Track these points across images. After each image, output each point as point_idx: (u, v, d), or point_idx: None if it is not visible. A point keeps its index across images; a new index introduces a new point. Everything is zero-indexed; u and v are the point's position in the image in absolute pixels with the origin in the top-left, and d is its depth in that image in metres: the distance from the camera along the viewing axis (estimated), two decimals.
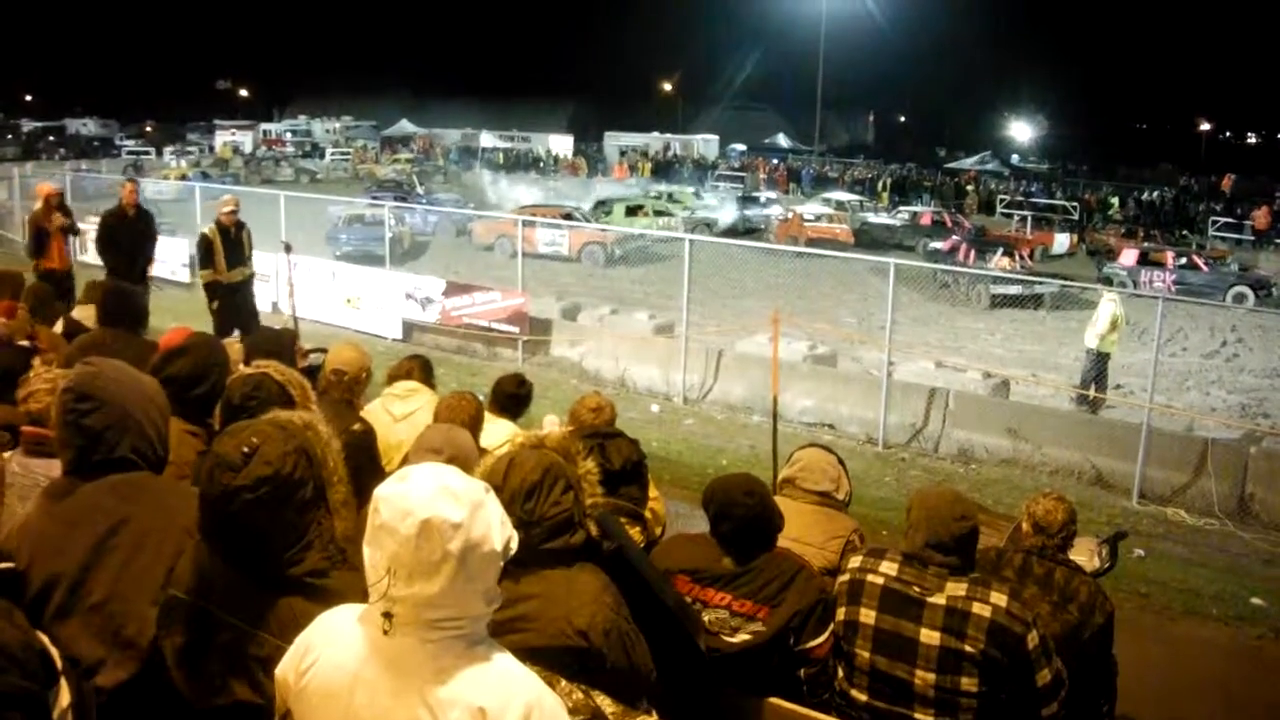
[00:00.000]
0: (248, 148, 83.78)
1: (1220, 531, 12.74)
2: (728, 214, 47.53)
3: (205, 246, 15.88)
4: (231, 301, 15.77)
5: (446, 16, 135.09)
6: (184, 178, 49.20)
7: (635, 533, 5.02)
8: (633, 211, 42.76)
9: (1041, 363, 21.40)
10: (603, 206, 43.86)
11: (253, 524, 2.93)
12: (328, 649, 2.59)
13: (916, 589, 4.49)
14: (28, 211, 30.56)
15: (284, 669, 2.68)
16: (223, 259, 15.69)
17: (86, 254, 21.53)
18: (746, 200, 52.76)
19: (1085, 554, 5.82)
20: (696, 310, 18.82)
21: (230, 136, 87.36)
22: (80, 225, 18.41)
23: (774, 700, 4.37)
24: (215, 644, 2.99)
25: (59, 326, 7.93)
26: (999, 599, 4.41)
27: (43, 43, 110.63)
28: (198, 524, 3.09)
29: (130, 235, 16.34)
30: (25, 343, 6.83)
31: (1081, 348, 18.07)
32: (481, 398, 6.98)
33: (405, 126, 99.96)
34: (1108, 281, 32.22)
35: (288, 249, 15.73)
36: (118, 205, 16.71)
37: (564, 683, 3.22)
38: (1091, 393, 16.97)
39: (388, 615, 2.44)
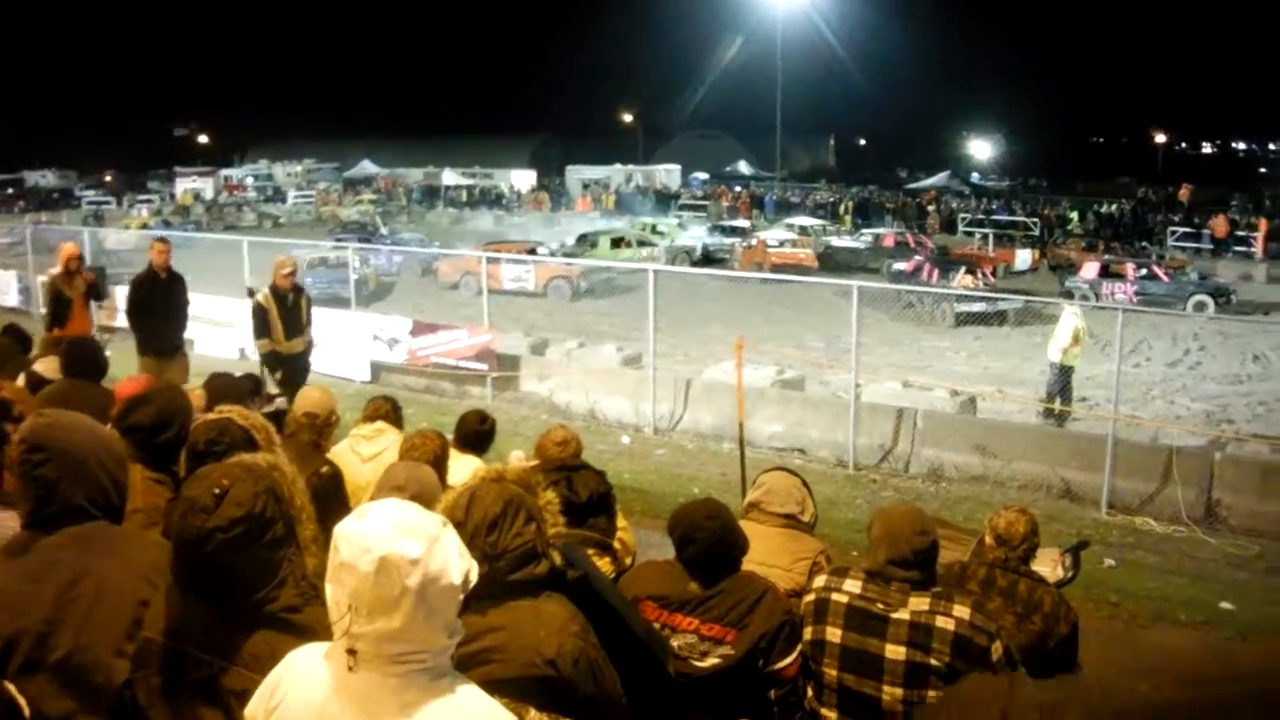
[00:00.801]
0: (209, 194, 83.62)
1: (1189, 538, 12.82)
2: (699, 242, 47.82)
3: (260, 315, 14.29)
4: (292, 373, 14.30)
5: (405, 57, 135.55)
6: (145, 226, 49.05)
7: (605, 563, 5.06)
8: (617, 244, 43.10)
9: (1007, 379, 21.50)
10: (587, 239, 44.35)
11: (227, 563, 2.98)
12: (294, 687, 2.62)
13: (880, 605, 4.53)
14: None
15: (253, 709, 2.70)
16: (280, 328, 14.23)
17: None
18: (719, 229, 53.04)
19: (1049, 565, 5.88)
20: (664, 340, 18.87)
21: (191, 183, 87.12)
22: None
23: None
24: (190, 681, 3.02)
25: (20, 380, 7.92)
26: (962, 612, 4.44)
27: None
28: (171, 567, 3.12)
29: (164, 300, 14.71)
30: None
31: (1046, 362, 18.20)
32: (449, 435, 7.02)
33: (367, 167, 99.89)
34: (1069, 295, 32.43)
35: (251, 294, 15.55)
36: (148, 268, 14.91)
37: (534, 712, 3.25)
38: (1057, 406, 17.10)
39: (351, 651, 2.47)
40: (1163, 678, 8.56)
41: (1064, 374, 17.57)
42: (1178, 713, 0.55)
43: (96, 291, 15.98)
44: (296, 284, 14.67)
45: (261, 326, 14.28)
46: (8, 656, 3.23)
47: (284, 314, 14.26)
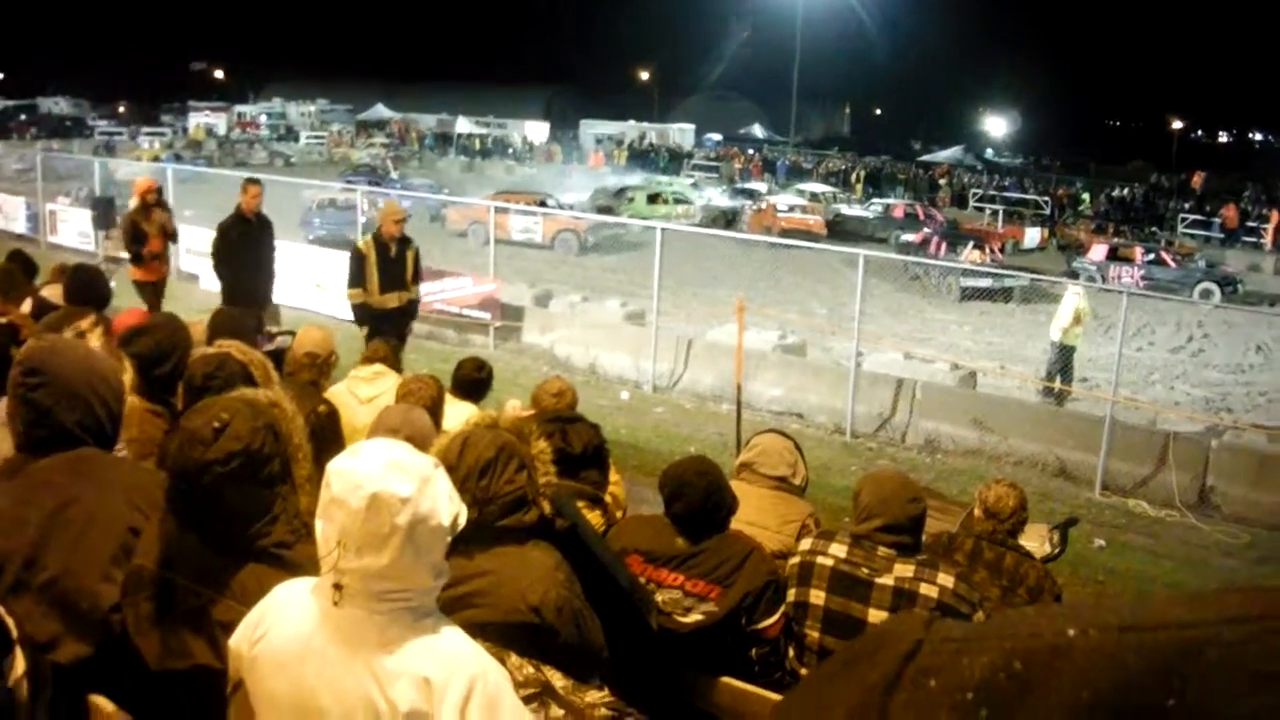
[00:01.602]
0: (222, 130, 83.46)
1: (1181, 523, 12.85)
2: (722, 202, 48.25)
3: (357, 262, 12.91)
4: (380, 332, 11.80)
5: (425, 1, 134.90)
6: (156, 159, 48.96)
7: (595, 516, 5.07)
8: (653, 199, 44.10)
9: (1009, 355, 21.53)
10: (625, 194, 45.50)
11: (222, 497, 3.03)
12: (279, 620, 2.64)
13: (865, 570, 4.55)
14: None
15: (237, 640, 2.72)
16: (376, 279, 12.79)
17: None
18: (740, 191, 53.32)
19: (1036, 540, 5.92)
20: (668, 299, 18.85)
21: (204, 118, 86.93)
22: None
23: (726, 679, 4.40)
24: (179, 610, 3.06)
25: (27, 305, 7.94)
26: (946, 580, 4.47)
27: (15, 21, 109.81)
28: (166, 497, 3.16)
29: (254, 248, 13.85)
30: (2, 320, 6.87)
31: (1048, 340, 18.20)
32: (448, 383, 7.05)
33: (381, 111, 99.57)
34: (1075, 276, 32.41)
35: None
36: (235, 213, 13.85)
37: (515, 657, 3.28)
38: (1057, 385, 17.09)
39: (337, 586, 2.49)
40: None
41: (1064, 353, 17.56)
42: (1123, 654, 0.56)
43: (172, 231, 15.26)
44: (405, 235, 13.15)
45: (356, 275, 12.86)
46: None
47: (383, 264, 12.83)
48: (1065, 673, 0.63)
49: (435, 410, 6.01)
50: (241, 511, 3.06)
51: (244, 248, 13.65)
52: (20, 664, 2.72)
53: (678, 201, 43.78)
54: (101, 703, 3.31)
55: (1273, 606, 0.63)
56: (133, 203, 14.76)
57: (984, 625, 0.72)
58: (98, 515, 3.34)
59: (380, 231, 13.03)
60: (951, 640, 0.70)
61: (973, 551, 5.36)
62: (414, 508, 2.45)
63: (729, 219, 43.95)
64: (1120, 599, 0.68)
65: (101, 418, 3.58)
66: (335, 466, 2.52)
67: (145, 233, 14.41)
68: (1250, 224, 50.83)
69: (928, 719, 0.66)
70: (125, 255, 15.67)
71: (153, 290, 14.97)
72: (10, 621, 2.82)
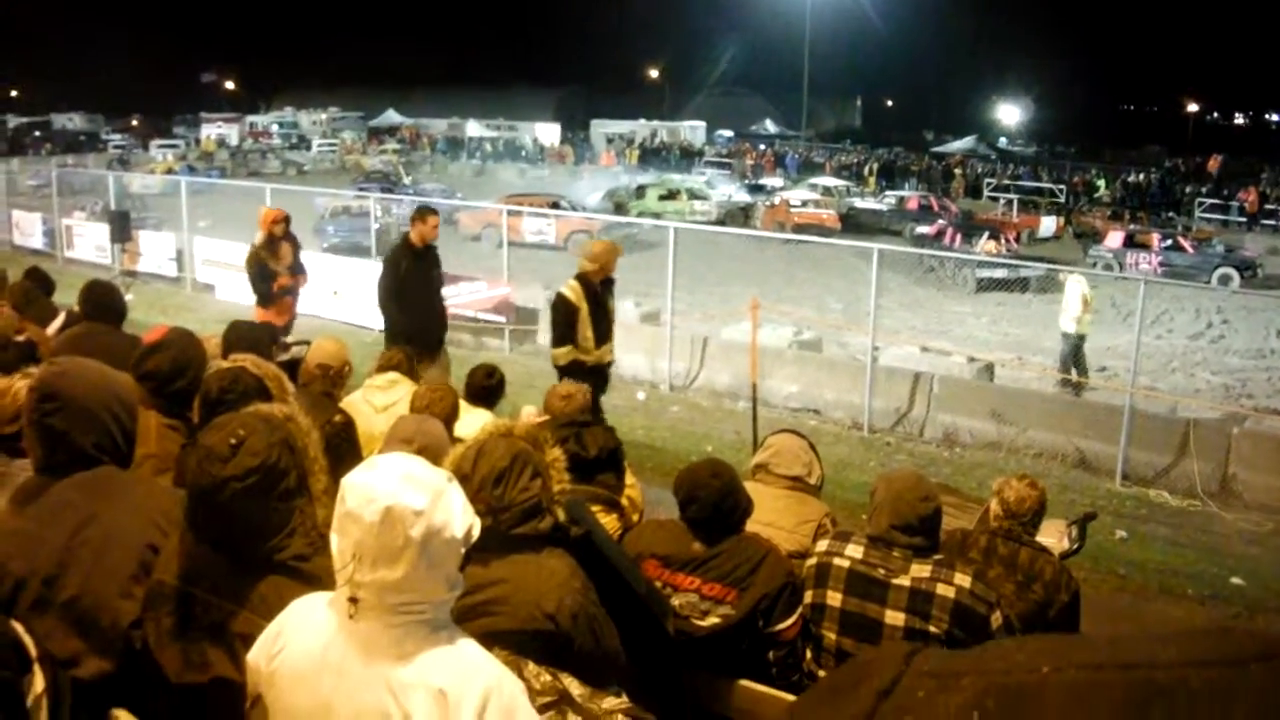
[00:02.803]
0: (234, 140, 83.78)
1: (1203, 512, 12.77)
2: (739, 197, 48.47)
3: (568, 314, 10.71)
4: (596, 388, 9.98)
5: (433, 5, 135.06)
6: (170, 171, 49.14)
7: (612, 520, 5.09)
8: (668, 196, 44.26)
9: (1027, 346, 21.48)
10: (640, 191, 45.94)
11: (241, 512, 3.06)
12: (296, 634, 2.67)
13: (881, 571, 4.56)
14: (13, 205, 30.62)
15: (255, 655, 2.75)
16: (590, 332, 10.74)
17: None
18: (755, 187, 53.50)
19: (1054, 535, 5.90)
20: (682, 298, 18.86)
21: (216, 129, 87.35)
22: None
23: (744, 682, 4.42)
24: (198, 624, 3.10)
25: (59, 322, 7.98)
26: (963, 580, 4.47)
27: (28, 38, 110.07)
28: (185, 513, 3.19)
29: (425, 283, 12.21)
30: (20, 338, 6.91)
31: (1060, 333, 18.19)
32: (462, 387, 7.07)
33: (392, 117, 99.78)
34: (1092, 265, 32.35)
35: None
36: (404, 243, 12.24)
37: (532, 665, 3.29)
38: (1074, 376, 17.09)
39: (353, 600, 2.51)
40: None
41: (1078, 343, 17.58)
42: (1095, 694, 0.57)
43: (300, 264, 13.71)
44: (611, 276, 11.17)
45: (567, 330, 10.71)
46: (17, 597, 3.30)
47: (595, 313, 10.83)
48: (1037, 711, 0.64)
49: (449, 419, 6.03)
50: (259, 526, 3.10)
51: (416, 283, 12.05)
52: (40, 682, 2.75)
53: (693, 197, 43.88)
54: (124, 717, 3.35)
55: (1241, 650, 0.64)
56: (257, 236, 13.39)
57: (963, 658, 0.73)
58: (116, 533, 3.37)
59: (589, 274, 10.83)
60: (930, 675, 0.71)
61: (987, 548, 5.36)
62: (428, 520, 2.47)
63: (747, 214, 44.04)
64: (1097, 637, 0.69)
65: (117, 437, 3.62)
66: (349, 480, 2.55)
67: (273, 270, 13.15)
68: (1269, 207, 50.62)
69: None
70: (146, 269, 15.42)
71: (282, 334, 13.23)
72: (29, 640, 2.85)
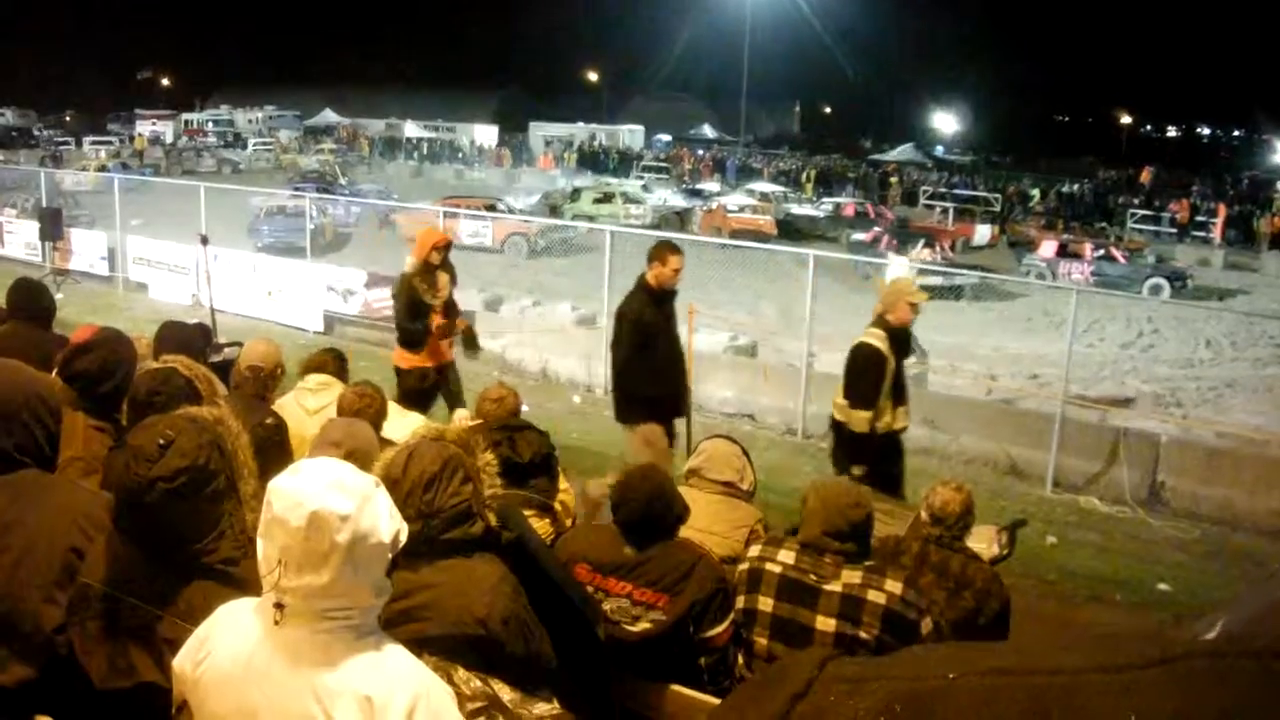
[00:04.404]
0: (169, 138, 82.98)
1: (1132, 519, 12.92)
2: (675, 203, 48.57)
3: (877, 368, 8.89)
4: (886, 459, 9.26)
5: (372, 5, 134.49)
6: (103, 168, 48.53)
7: (544, 525, 5.09)
8: (603, 199, 44.23)
9: (960, 353, 21.61)
10: (575, 194, 45.93)
11: (168, 513, 3.03)
12: (222, 640, 2.65)
13: (813, 577, 4.57)
14: None
15: (181, 660, 2.72)
16: (889, 392, 9.03)
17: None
18: (691, 191, 53.68)
19: (985, 541, 5.94)
20: (618, 301, 18.84)
21: (151, 127, 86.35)
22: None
23: (675, 688, 4.43)
24: (125, 628, 3.07)
25: None
26: (894, 586, 4.49)
27: None
28: (112, 515, 3.16)
29: (669, 336, 10.05)
30: None
31: (999, 337, 18.42)
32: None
33: (328, 116, 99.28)
34: (1025, 274, 32.67)
35: (204, 241, 15.08)
36: (642, 288, 9.77)
37: (462, 671, 3.29)
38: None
39: (279, 606, 2.50)
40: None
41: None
42: (998, 699, 0.57)
43: (454, 302, 11.06)
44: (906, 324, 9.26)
45: (872, 389, 8.86)
46: None
47: (898, 369, 9.14)
48: (943, 716, 0.65)
49: (377, 420, 6.01)
50: (187, 528, 3.08)
51: (660, 336, 9.76)
52: None
53: (628, 201, 43.84)
54: None
55: (1141, 655, 0.65)
56: (409, 262, 10.79)
57: (875, 665, 0.73)
58: (38, 537, 3.33)
59: (890, 318, 9.06)
60: (841, 681, 0.72)
61: (919, 555, 5.40)
62: (354, 525, 2.46)
63: (682, 219, 44.12)
64: (1004, 645, 0.70)
65: (40, 438, 3.57)
66: (275, 485, 2.53)
67: (427, 305, 10.57)
68: (1199, 219, 51.32)
69: None
70: (78, 267, 14.72)
71: (433, 375, 10.71)
72: None
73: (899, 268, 19.13)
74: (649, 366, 9.50)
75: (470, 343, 11.39)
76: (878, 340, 8.79)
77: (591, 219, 37.10)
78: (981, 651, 0.72)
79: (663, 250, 9.78)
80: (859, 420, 8.75)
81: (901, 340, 8.94)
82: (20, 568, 3.28)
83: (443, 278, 10.68)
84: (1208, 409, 18.83)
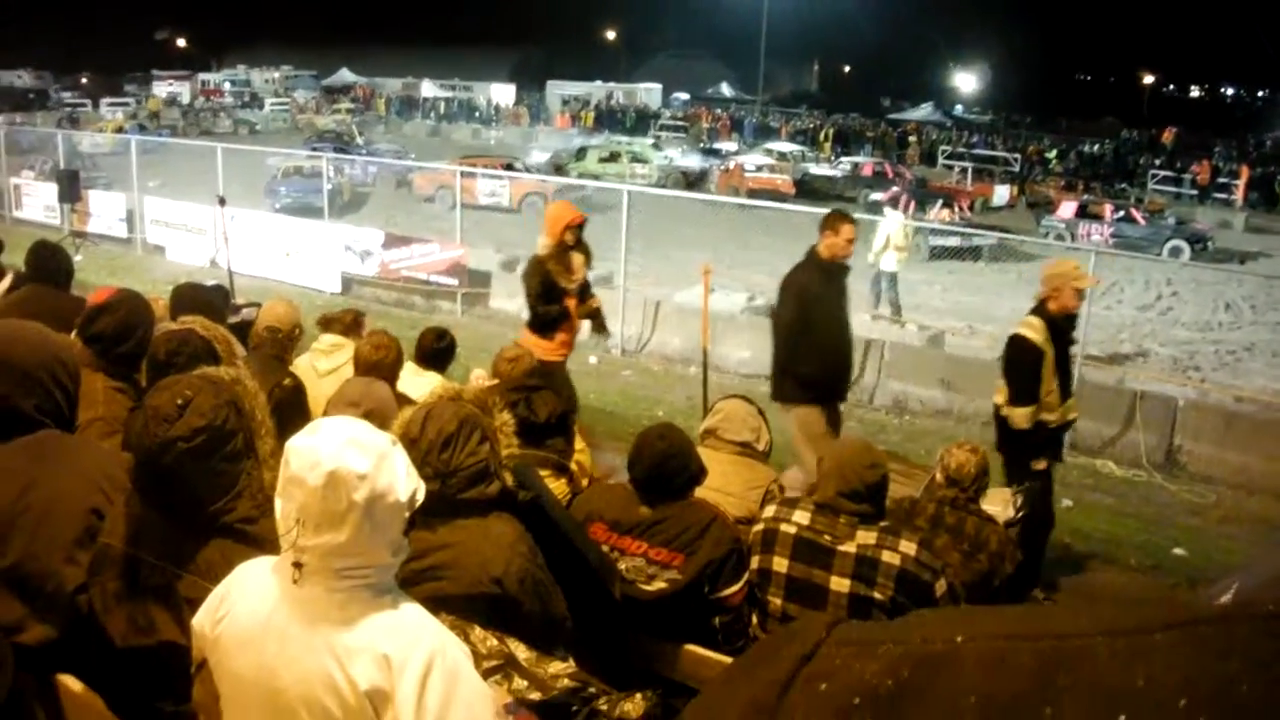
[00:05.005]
0: (186, 99, 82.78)
1: (1148, 483, 12.90)
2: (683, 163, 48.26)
3: (1032, 362, 8.25)
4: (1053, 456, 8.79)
5: None
6: (120, 130, 48.49)
7: (560, 484, 5.10)
8: (609, 159, 43.91)
9: (978, 314, 21.54)
10: (581, 153, 45.51)
11: (187, 473, 3.05)
12: (241, 599, 2.66)
13: (827, 537, 4.58)
14: None
15: (200, 619, 2.74)
16: (1055, 382, 8.38)
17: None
18: (709, 151, 53.42)
19: (1000, 504, 5.95)
20: (635, 261, 18.83)
21: (168, 87, 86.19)
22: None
23: (689, 647, 4.43)
24: (145, 587, 3.09)
25: (7, 283, 7.88)
26: (908, 548, 4.50)
27: None
28: (131, 475, 3.18)
29: (840, 311, 9.51)
30: None
31: (1017, 299, 18.38)
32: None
33: (345, 76, 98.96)
34: (1044, 235, 32.52)
35: (222, 202, 15.05)
36: (812, 259, 9.28)
37: (478, 629, 3.30)
38: (886, 314, 18.55)
39: (297, 565, 2.51)
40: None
41: (879, 279, 19.62)
42: (1006, 662, 0.58)
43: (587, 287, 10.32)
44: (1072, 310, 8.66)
45: (1031, 383, 8.22)
46: None
47: (1059, 357, 8.41)
48: (949, 679, 0.66)
49: (394, 369, 6.06)
50: (206, 487, 3.10)
51: (828, 311, 9.20)
52: None
53: (635, 160, 43.62)
54: (70, 682, 3.34)
55: (1150, 620, 0.66)
56: (543, 242, 9.95)
57: (883, 628, 0.74)
58: (59, 498, 3.35)
59: (1051, 306, 8.40)
60: (849, 644, 0.73)
61: (934, 516, 5.41)
62: (371, 484, 2.47)
63: (690, 179, 43.91)
64: (1013, 609, 0.71)
65: (59, 399, 3.59)
66: (293, 444, 2.54)
67: (561, 289, 9.87)
68: (1221, 180, 50.94)
69: None
70: (96, 230, 14.49)
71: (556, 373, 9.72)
72: None
73: (893, 221, 19.27)
74: (813, 343, 8.95)
75: (599, 323, 10.71)
76: (1032, 331, 8.21)
77: (597, 178, 36.95)
78: (989, 615, 0.72)
79: (836, 219, 9.20)
80: (1020, 416, 8.19)
81: (1063, 329, 8.38)
82: (41, 528, 3.30)
83: (577, 259, 9.97)
84: (1226, 373, 18.76)
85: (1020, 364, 8.21)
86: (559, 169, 43.43)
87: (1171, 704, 0.60)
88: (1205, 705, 0.60)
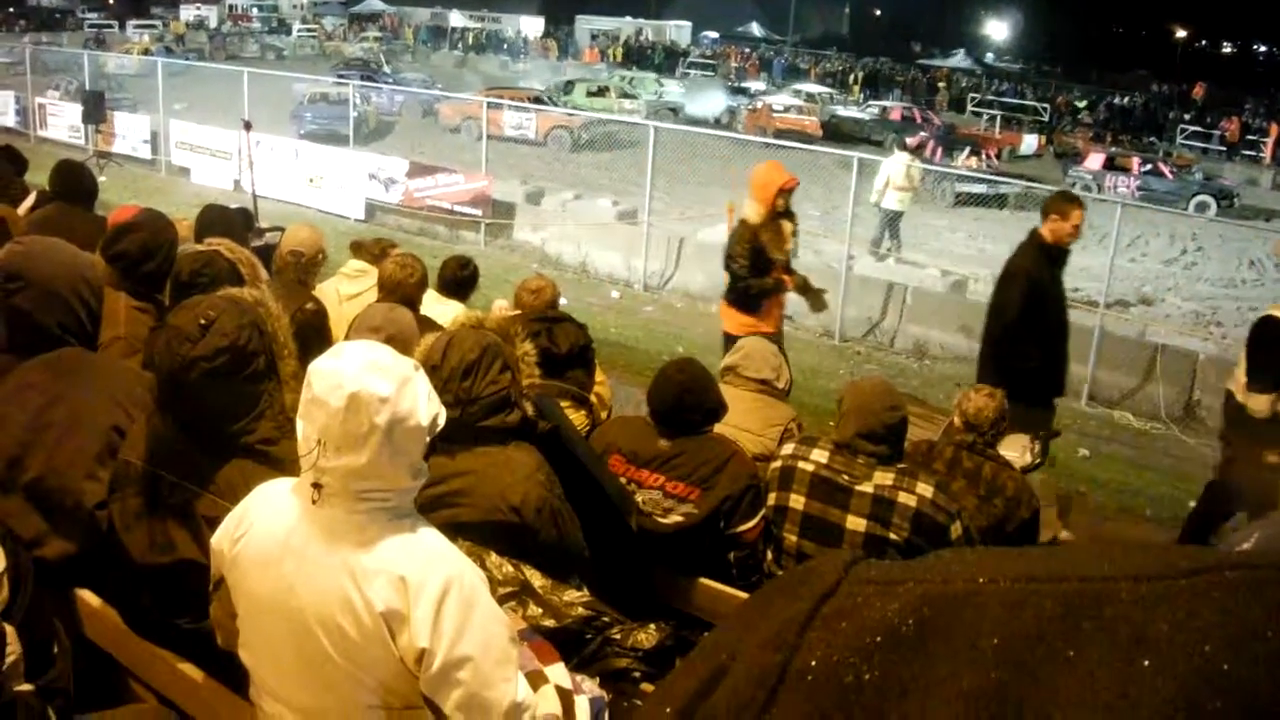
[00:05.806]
0: (213, 22, 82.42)
1: (1166, 436, 12.88)
2: (713, 103, 47.88)
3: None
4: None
5: None
6: (147, 52, 48.33)
7: (580, 416, 5.10)
8: (596, 93, 43.74)
9: (1001, 262, 21.42)
10: (567, 86, 45.11)
11: (209, 392, 3.08)
12: (260, 519, 2.68)
13: (845, 477, 4.58)
14: None
15: (219, 538, 2.76)
16: None
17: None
18: (738, 91, 53.15)
19: (1017, 450, 5.95)
20: (660, 198, 18.80)
21: (195, 11, 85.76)
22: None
23: (704, 581, 4.46)
24: (164, 505, 3.11)
25: (30, 201, 7.88)
26: (925, 489, 4.50)
27: None
28: (153, 393, 3.19)
29: (1058, 305, 8.55)
30: None
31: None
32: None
33: (374, 4, 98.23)
34: (1071, 185, 32.32)
35: (247, 127, 15.04)
36: (1034, 242, 8.28)
37: (495, 556, 3.33)
38: (884, 249, 18.93)
39: (317, 486, 2.53)
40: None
41: (882, 218, 19.78)
42: (1028, 604, 0.58)
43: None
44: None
45: (1275, 367, 7.52)
46: None
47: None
48: (971, 620, 0.66)
49: (418, 291, 6.07)
50: (227, 408, 3.12)
51: (1051, 303, 8.34)
52: (1, 560, 2.76)
53: (623, 96, 43.56)
54: (88, 597, 3.37)
55: (1172, 566, 0.65)
56: (750, 209, 8.94)
57: (903, 568, 0.74)
58: (81, 414, 3.37)
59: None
60: (869, 582, 0.72)
61: (952, 460, 5.40)
62: (393, 407, 2.49)
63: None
64: (1035, 550, 0.70)
65: (82, 317, 3.60)
66: (316, 367, 2.55)
67: (771, 260, 8.89)
68: (1250, 137, 50.51)
69: (833, 658, 0.69)
70: (121, 150, 14.53)
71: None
72: None
73: (895, 161, 19.21)
74: (1036, 334, 8.12)
75: (816, 298, 9.86)
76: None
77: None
78: (1012, 557, 0.72)
79: (1062, 202, 8.28)
80: (1257, 404, 7.45)
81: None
82: (62, 444, 3.33)
83: (787, 227, 9.08)
84: (1247, 329, 18.66)
85: (1268, 347, 7.57)
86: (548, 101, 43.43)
87: (1196, 649, 0.60)
88: (1230, 652, 0.59)
